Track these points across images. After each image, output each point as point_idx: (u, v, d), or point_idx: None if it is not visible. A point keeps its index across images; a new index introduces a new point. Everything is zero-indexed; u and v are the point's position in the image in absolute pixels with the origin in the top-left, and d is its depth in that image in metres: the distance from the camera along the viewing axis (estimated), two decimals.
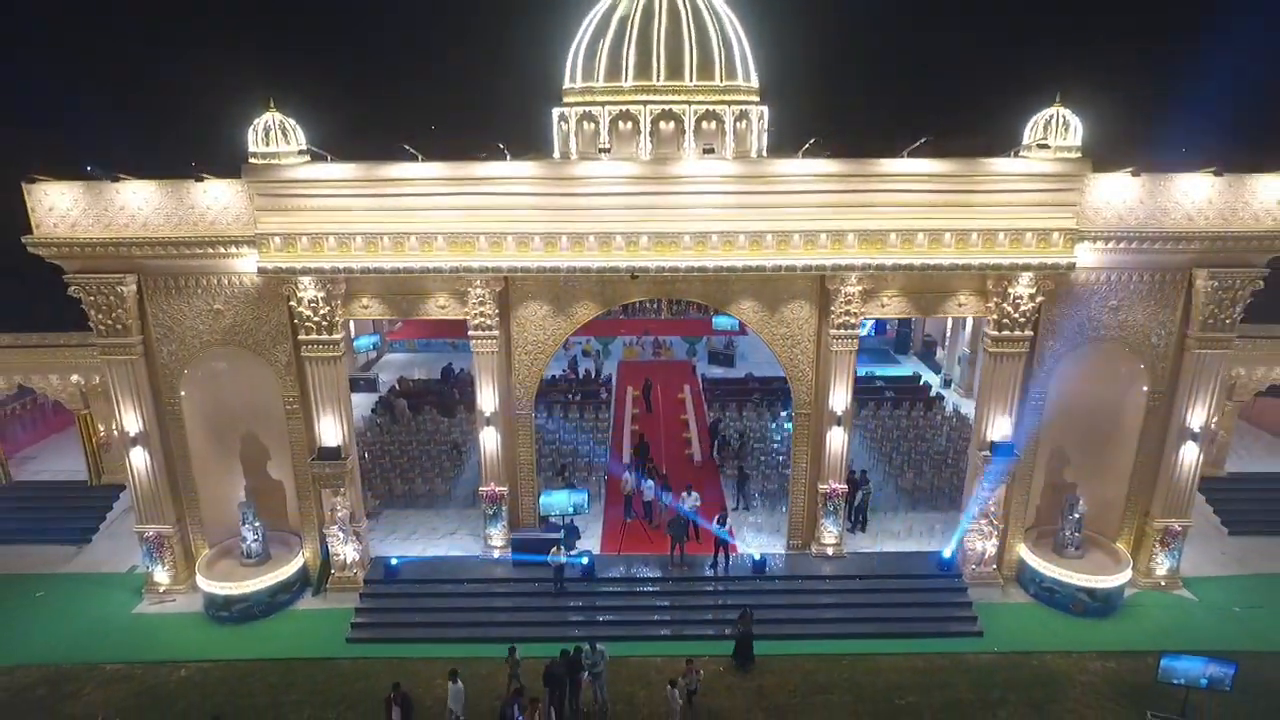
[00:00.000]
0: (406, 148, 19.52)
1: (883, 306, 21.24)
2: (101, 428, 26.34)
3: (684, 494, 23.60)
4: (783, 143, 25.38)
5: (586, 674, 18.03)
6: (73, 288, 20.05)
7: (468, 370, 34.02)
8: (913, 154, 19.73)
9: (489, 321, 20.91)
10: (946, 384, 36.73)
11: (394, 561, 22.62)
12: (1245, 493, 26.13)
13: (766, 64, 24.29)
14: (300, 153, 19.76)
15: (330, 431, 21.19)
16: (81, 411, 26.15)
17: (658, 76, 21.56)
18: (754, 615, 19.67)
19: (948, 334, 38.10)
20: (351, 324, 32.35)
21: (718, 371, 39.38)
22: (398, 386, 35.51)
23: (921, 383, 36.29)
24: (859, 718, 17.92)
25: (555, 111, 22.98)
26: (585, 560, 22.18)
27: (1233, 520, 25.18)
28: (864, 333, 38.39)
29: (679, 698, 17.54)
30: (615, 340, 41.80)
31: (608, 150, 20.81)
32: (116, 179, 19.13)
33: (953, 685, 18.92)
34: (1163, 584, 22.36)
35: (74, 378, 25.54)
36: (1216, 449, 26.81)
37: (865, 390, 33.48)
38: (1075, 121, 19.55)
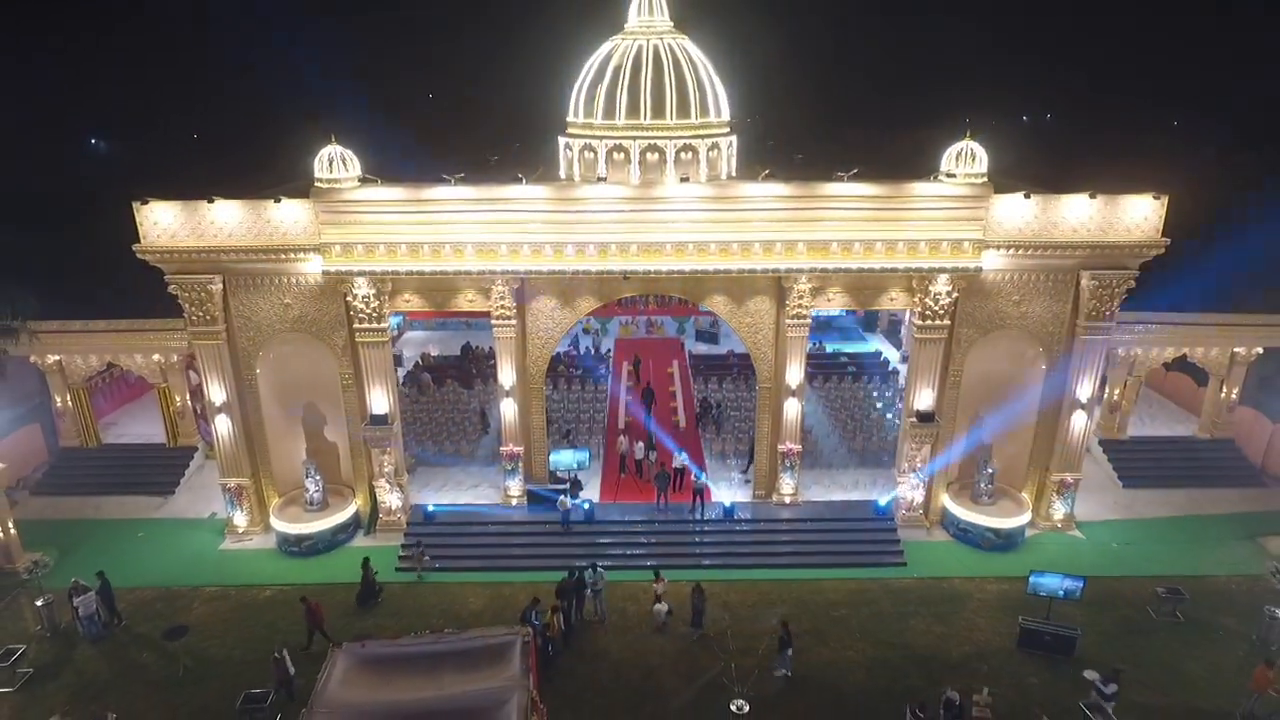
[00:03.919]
0: (444, 176, 24.02)
1: (829, 300, 25.86)
2: (178, 398, 31.09)
3: (676, 454, 28.57)
4: (764, 148, 29.70)
5: (590, 590, 22.99)
6: (171, 286, 24.56)
7: (484, 347, 38.89)
8: (851, 178, 24.17)
9: (508, 313, 25.43)
10: (905, 360, 41.08)
11: (430, 508, 27.51)
12: (1140, 452, 30.91)
13: (752, 82, 28.73)
14: (357, 178, 24.24)
15: (379, 402, 25.93)
16: (161, 385, 30.85)
17: (645, 116, 25.98)
18: (704, 588, 22.58)
19: (908, 314, 42.45)
20: None
21: (703, 348, 43.76)
22: (421, 362, 40.07)
23: (881, 359, 40.81)
24: (800, 622, 22.80)
25: (561, 140, 27.45)
26: (587, 506, 27.14)
27: (1127, 475, 29.95)
28: (836, 313, 43.11)
29: (664, 603, 22.54)
30: (613, 320, 46.30)
31: (604, 179, 25.30)
32: (212, 200, 23.65)
33: (877, 602, 23.84)
34: (1059, 526, 27.20)
35: (155, 356, 30.09)
36: (1120, 416, 31.72)
37: (830, 366, 38.10)
38: (981, 152, 23.82)
